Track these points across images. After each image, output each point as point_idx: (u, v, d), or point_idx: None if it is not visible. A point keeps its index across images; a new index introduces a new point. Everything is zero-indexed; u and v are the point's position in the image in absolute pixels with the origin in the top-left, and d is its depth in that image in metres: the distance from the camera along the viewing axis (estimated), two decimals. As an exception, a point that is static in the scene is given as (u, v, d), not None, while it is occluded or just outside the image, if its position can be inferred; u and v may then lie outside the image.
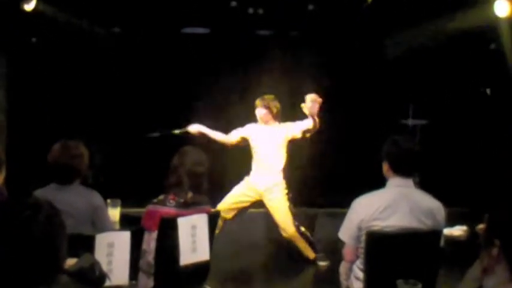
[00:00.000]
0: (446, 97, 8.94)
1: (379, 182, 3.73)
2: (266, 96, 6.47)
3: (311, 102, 5.72)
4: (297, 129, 6.28)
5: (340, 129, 8.75)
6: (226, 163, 7.46)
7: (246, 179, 6.53)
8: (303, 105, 5.75)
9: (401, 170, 3.64)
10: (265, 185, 6.43)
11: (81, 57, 8.54)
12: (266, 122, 6.47)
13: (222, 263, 6.17)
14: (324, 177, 8.60)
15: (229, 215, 6.45)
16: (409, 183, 3.67)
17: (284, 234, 6.44)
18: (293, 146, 6.52)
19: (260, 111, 6.44)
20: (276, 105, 6.45)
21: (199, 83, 8.74)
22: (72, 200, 3.93)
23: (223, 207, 6.33)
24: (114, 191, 4.75)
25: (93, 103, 8.60)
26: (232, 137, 6.53)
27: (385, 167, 3.70)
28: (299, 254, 6.51)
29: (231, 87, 8.63)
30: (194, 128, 6.56)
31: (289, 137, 6.38)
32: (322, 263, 6.49)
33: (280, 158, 6.44)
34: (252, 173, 6.52)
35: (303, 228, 6.54)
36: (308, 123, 6.07)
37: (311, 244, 6.55)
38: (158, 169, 4.61)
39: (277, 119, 6.48)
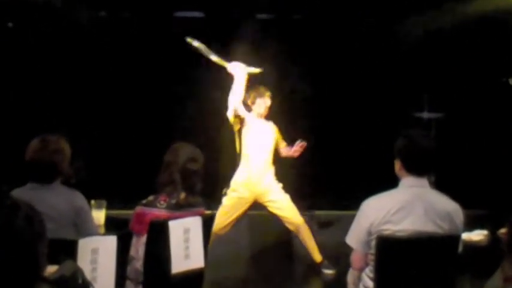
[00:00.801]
0: (465, 88, 8.94)
1: (390, 182, 3.74)
2: (259, 88, 6.54)
3: (298, 148, 6.35)
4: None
5: (347, 124, 8.75)
6: (223, 161, 7.45)
7: (236, 183, 6.50)
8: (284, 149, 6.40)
9: (415, 169, 3.65)
10: (265, 184, 6.45)
11: (63, 44, 8.52)
12: (263, 116, 6.53)
13: (218, 271, 6.18)
14: (329, 176, 8.60)
15: (225, 230, 6.42)
16: (423, 183, 3.67)
17: (291, 227, 6.42)
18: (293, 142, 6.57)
19: (266, 101, 6.51)
20: (269, 95, 6.55)
21: (193, 70, 8.72)
22: (52, 201, 3.92)
23: (217, 226, 6.27)
24: (98, 191, 4.76)
25: (76, 94, 8.58)
26: (241, 111, 6.41)
27: (397, 165, 3.71)
28: (304, 256, 6.50)
29: (227, 75, 8.63)
30: (233, 66, 6.45)
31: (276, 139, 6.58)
32: (328, 271, 6.44)
33: (271, 156, 6.55)
34: (246, 172, 6.49)
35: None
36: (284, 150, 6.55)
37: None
38: (148, 167, 4.61)
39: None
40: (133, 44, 8.77)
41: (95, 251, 3.35)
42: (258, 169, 6.45)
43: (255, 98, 6.49)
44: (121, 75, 8.74)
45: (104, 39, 8.69)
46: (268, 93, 6.50)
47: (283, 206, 6.40)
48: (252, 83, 6.62)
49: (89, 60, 8.62)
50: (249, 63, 6.48)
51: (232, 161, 6.87)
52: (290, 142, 6.58)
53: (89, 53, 8.61)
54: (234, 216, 6.45)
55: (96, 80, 8.69)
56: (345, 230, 3.74)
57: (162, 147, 4.37)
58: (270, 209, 6.47)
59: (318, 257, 6.47)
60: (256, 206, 6.60)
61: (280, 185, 6.48)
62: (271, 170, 6.51)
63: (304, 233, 6.41)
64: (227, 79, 6.43)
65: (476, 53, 8.80)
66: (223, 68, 6.44)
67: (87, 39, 8.59)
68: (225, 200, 6.46)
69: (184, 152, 4.27)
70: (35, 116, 8.14)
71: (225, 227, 6.39)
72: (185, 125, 8.33)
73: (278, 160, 6.64)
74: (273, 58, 8.05)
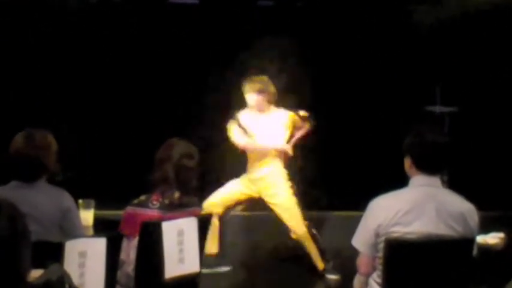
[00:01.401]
0: (481, 79, 8.92)
1: (400, 181, 3.74)
2: (257, 79, 6.45)
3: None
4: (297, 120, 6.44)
5: (353, 118, 8.74)
6: (219, 159, 7.45)
7: (243, 176, 6.55)
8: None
9: (426, 167, 3.65)
10: (266, 179, 6.46)
11: (49, 32, 8.52)
12: (261, 110, 6.47)
13: (215, 276, 6.20)
14: (334, 174, 8.59)
15: (219, 210, 6.42)
16: (435, 182, 3.68)
17: (294, 235, 6.43)
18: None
19: (252, 98, 6.42)
20: (271, 89, 6.45)
21: (187, 61, 8.72)
22: (37, 200, 3.93)
23: (211, 202, 6.34)
24: (86, 190, 4.76)
25: (62, 85, 8.58)
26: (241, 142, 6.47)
27: (408, 162, 3.71)
28: (307, 262, 6.50)
29: (225, 66, 8.61)
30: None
31: (291, 123, 6.51)
32: (332, 277, 6.43)
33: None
34: (249, 169, 6.53)
35: (314, 230, 6.50)
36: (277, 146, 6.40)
37: (321, 251, 6.48)
38: (140, 164, 4.62)
39: (272, 104, 6.51)
40: (123, 34, 8.75)
41: (82, 254, 3.36)
42: (256, 165, 6.47)
43: (243, 95, 6.48)
44: (110, 68, 8.72)
45: (92, 28, 8.68)
46: (254, 88, 6.40)
47: (284, 209, 6.41)
48: (257, 71, 6.67)
49: (77, 52, 8.60)
50: (247, 54, 6.48)
51: (231, 159, 6.90)
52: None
53: (76, 45, 8.60)
54: (230, 200, 6.49)
55: (84, 73, 8.67)
56: (350, 231, 3.76)
57: (155, 143, 4.38)
58: (273, 210, 6.50)
59: (320, 264, 6.45)
60: (257, 207, 6.63)
61: (289, 184, 6.47)
62: (276, 163, 6.48)
63: (306, 242, 6.41)
64: (222, 72, 6.44)
65: (493, 42, 8.79)
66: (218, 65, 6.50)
67: (75, 28, 8.58)
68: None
69: (179, 148, 4.27)
70: (19, 110, 8.13)
71: (217, 205, 6.40)
72: (180, 120, 8.32)
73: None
74: (274, 48, 8.06)
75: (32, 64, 8.54)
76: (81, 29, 8.61)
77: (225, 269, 6.53)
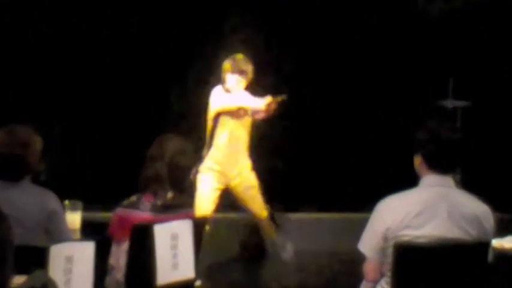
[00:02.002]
0: (495, 71, 8.93)
1: (409, 180, 3.74)
2: (238, 57, 6.56)
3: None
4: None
5: (357, 112, 8.73)
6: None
7: (208, 167, 6.66)
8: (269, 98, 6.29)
9: (438, 165, 3.65)
10: (238, 169, 6.67)
11: (30, 19, 8.52)
12: (235, 91, 6.55)
13: (211, 282, 6.21)
14: (338, 174, 8.59)
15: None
16: (448, 181, 3.68)
17: (256, 218, 6.87)
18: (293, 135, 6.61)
19: (231, 79, 6.51)
20: (251, 69, 6.56)
21: (180, 54, 8.73)
22: (20, 201, 3.93)
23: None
24: (73, 191, 4.76)
25: (46, 78, 8.57)
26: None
27: (418, 161, 3.71)
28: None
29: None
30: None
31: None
32: (286, 255, 6.97)
33: (247, 136, 6.69)
34: (217, 155, 6.64)
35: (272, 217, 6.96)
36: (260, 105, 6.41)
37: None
38: (130, 162, 4.62)
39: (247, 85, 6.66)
40: (108, 29, 8.76)
41: (69, 260, 3.35)
42: (227, 152, 6.65)
43: (222, 73, 6.64)
44: (99, 63, 8.72)
45: (74, 20, 8.68)
46: (229, 67, 6.52)
47: (253, 197, 6.76)
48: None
49: (61, 36, 8.60)
50: (244, 42, 6.51)
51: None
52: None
53: (60, 28, 8.59)
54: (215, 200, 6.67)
55: (69, 62, 8.67)
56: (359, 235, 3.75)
57: (147, 141, 4.37)
58: (236, 194, 6.78)
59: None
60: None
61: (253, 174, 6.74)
62: (245, 153, 6.71)
63: (265, 227, 6.92)
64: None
65: (509, 32, 8.79)
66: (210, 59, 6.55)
67: (56, 20, 8.59)
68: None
69: (172, 145, 4.27)
70: (2, 107, 8.13)
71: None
72: (172, 116, 8.31)
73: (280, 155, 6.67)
74: (272, 35, 8.06)
75: (14, 57, 8.55)
76: (63, 17, 8.61)
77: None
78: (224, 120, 6.52)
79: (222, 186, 6.66)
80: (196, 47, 8.41)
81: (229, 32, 8.00)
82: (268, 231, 6.95)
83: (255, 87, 6.69)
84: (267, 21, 8.37)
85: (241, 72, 6.48)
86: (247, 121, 6.61)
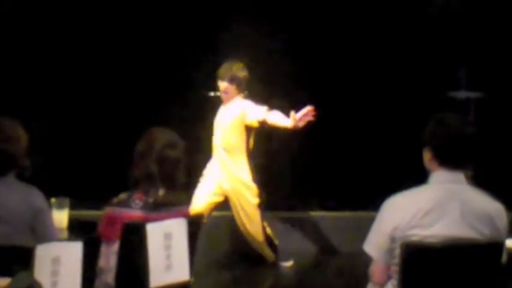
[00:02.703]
0: (510, 61, 8.93)
1: (419, 177, 3.74)
2: (231, 64, 6.74)
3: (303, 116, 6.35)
4: (258, 114, 6.53)
5: (364, 105, 8.74)
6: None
7: (211, 171, 6.77)
8: (292, 113, 6.30)
9: (450, 161, 3.65)
10: (231, 184, 6.73)
11: (17, 8, 8.53)
12: (226, 100, 6.74)
13: (206, 284, 6.22)
14: (343, 171, 8.60)
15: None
16: (459, 178, 3.68)
17: (250, 240, 6.89)
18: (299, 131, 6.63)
19: (222, 86, 6.71)
20: (244, 75, 6.71)
21: (172, 50, 8.74)
22: (4, 198, 3.94)
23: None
24: (60, 188, 4.76)
25: (33, 72, 8.60)
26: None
27: (428, 156, 3.71)
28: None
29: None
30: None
31: (246, 121, 6.64)
32: (286, 264, 7.02)
33: (242, 147, 6.72)
34: (215, 166, 6.79)
35: (268, 230, 6.92)
36: (283, 121, 6.45)
37: (270, 244, 6.94)
38: (120, 158, 4.62)
39: (242, 93, 6.75)
40: (99, 25, 8.78)
41: (56, 261, 3.36)
42: (218, 161, 6.79)
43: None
44: (89, 57, 8.74)
45: (64, 17, 8.70)
46: (224, 73, 6.69)
47: (249, 218, 6.81)
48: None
49: (52, 43, 8.63)
50: (245, 39, 6.55)
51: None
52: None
53: (51, 34, 8.63)
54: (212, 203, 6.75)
55: (59, 62, 8.69)
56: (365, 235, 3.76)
57: (136, 136, 4.38)
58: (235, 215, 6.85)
59: (271, 256, 6.98)
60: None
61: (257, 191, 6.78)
62: (240, 167, 6.73)
63: (260, 246, 6.93)
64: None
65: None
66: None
67: (49, 17, 8.62)
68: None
69: (161, 138, 4.28)
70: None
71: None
72: (163, 112, 8.32)
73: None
74: (275, 31, 8.08)
75: (3, 55, 8.58)
76: (53, 6, 8.64)
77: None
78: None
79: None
80: (187, 50, 8.47)
81: (230, 37, 8.03)
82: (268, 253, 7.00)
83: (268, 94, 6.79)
84: (271, 23, 8.41)
85: (233, 80, 6.63)
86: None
